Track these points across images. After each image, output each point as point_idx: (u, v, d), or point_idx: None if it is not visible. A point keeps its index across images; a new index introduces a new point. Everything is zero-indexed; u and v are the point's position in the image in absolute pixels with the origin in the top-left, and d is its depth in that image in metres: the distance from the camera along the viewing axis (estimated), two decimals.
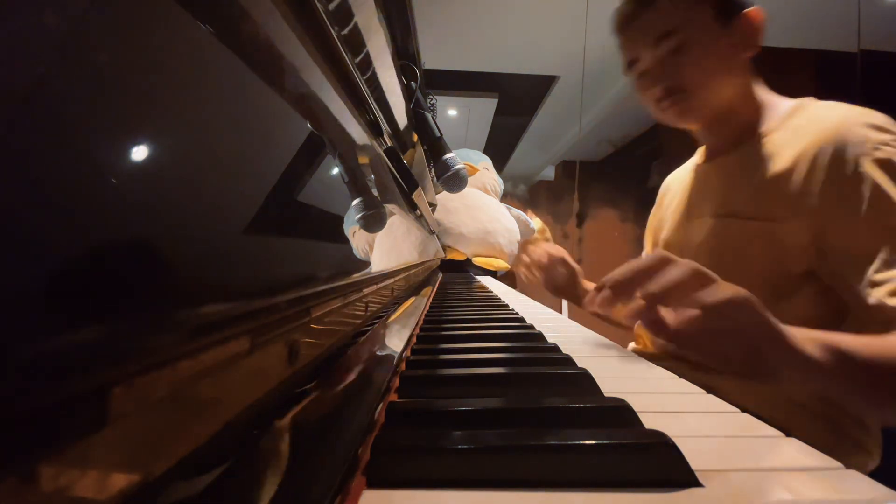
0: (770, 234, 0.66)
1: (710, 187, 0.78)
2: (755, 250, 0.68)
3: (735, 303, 0.45)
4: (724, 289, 0.46)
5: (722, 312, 0.45)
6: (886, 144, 0.59)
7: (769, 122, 0.72)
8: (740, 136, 0.74)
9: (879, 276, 0.56)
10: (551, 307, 1.14)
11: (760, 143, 0.71)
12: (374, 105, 0.55)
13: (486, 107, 4.55)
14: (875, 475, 0.27)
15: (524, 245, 1.07)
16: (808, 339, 0.48)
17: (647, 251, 1.01)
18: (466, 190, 1.31)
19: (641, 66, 0.75)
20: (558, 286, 1.05)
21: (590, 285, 1.05)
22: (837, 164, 0.61)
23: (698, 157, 0.87)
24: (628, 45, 0.77)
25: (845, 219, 0.60)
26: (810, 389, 0.61)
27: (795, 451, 0.30)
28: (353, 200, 0.44)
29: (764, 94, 0.75)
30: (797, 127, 0.68)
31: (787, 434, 0.33)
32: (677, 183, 0.91)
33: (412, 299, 0.83)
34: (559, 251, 1.06)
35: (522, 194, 3.58)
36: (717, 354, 0.49)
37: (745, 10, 0.70)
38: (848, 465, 0.27)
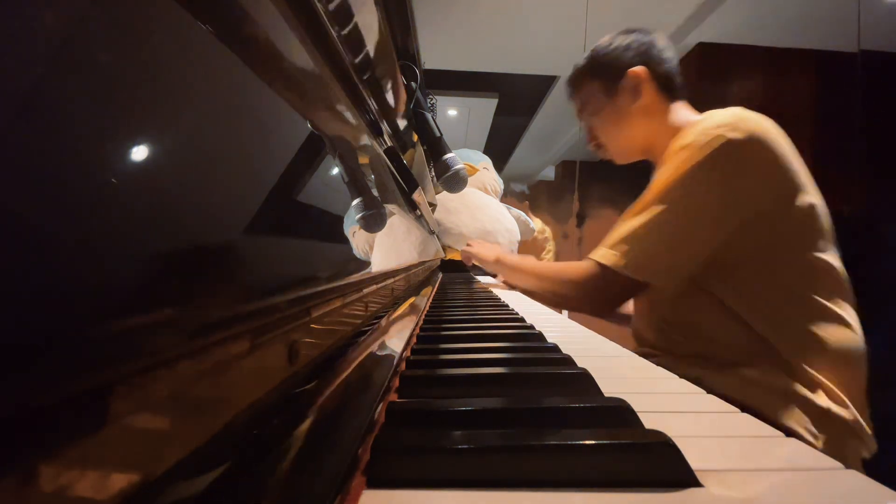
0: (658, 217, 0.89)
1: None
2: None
3: (469, 254, 1.42)
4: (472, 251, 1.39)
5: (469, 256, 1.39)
6: (709, 132, 0.77)
7: (674, 139, 0.90)
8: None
9: None
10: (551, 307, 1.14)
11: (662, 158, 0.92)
12: (374, 105, 0.55)
13: (486, 107, 4.55)
14: (876, 475, 0.27)
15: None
16: (492, 253, 1.32)
17: None
18: (466, 190, 1.33)
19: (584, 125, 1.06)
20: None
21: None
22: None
23: None
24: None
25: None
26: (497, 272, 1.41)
27: (795, 451, 0.30)
28: (353, 200, 0.44)
29: (682, 115, 0.93)
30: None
31: (787, 434, 0.33)
32: None
33: (412, 299, 0.83)
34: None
35: (521, 192, 3.57)
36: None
37: (628, 71, 0.91)
38: (839, 450, 0.28)
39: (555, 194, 5.06)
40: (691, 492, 0.25)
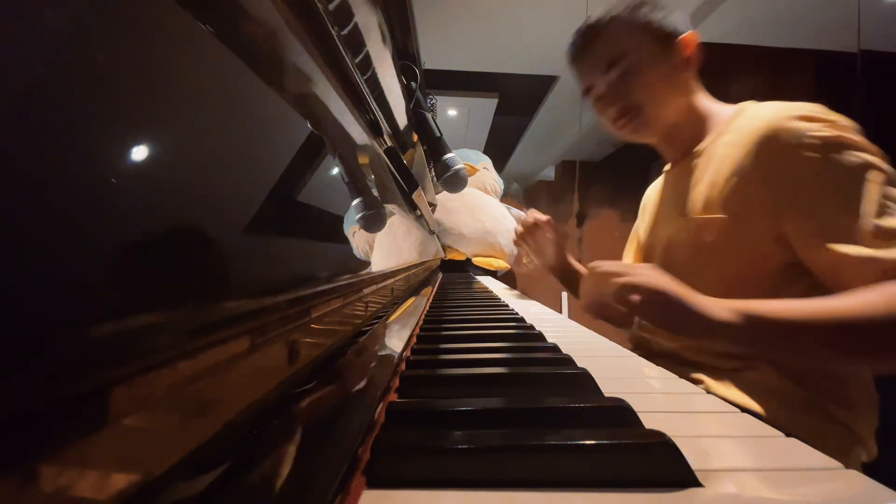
0: (733, 230, 0.71)
1: (676, 189, 0.85)
2: (723, 245, 0.72)
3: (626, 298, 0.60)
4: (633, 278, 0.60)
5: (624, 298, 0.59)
6: (816, 130, 0.65)
7: (715, 127, 0.80)
8: (691, 143, 0.82)
9: (852, 240, 0.60)
10: (551, 307, 1.14)
11: (702, 150, 0.79)
12: (374, 105, 0.55)
13: (486, 107, 4.55)
14: (876, 475, 0.27)
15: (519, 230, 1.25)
16: (724, 307, 0.58)
17: (626, 259, 1.07)
18: (466, 190, 1.32)
19: (596, 92, 0.84)
20: (552, 262, 1.15)
21: (579, 266, 1.13)
22: (775, 158, 0.67)
23: (668, 165, 0.95)
24: (583, 73, 0.87)
25: (798, 206, 0.65)
26: (736, 346, 0.68)
27: (795, 451, 0.30)
28: (353, 200, 0.44)
29: (708, 104, 0.83)
30: (738, 128, 0.74)
31: (787, 434, 0.33)
32: (653, 193, 0.98)
33: (412, 299, 0.83)
34: (543, 217, 1.19)
35: (517, 193, 3.55)
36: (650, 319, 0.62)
37: (681, 36, 0.80)
38: (839, 452, 0.27)
39: (555, 194, 5.06)
40: (691, 492, 0.25)
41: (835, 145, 0.63)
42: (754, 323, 0.58)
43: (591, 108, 0.89)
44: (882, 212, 0.60)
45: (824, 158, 0.63)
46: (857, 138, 0.64)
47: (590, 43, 0.84)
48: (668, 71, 0.80)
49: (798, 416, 0.67)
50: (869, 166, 0.62)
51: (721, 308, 0.58)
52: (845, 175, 0.62)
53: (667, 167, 0.94)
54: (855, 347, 0.57)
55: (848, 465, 0.27)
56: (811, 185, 0.64)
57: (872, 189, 0.61)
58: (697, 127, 0.81)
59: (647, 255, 0.92)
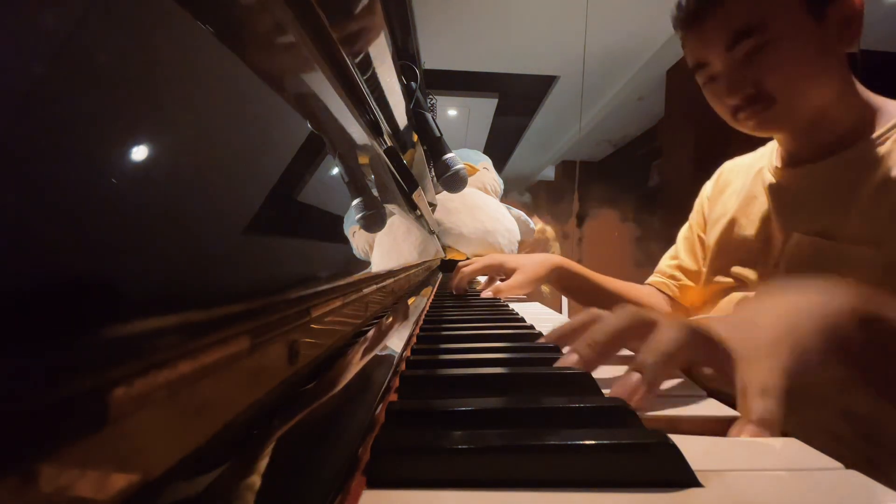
0: (878, 263, 0.54)
1: (799, 198, 0.66)
2: (855, 279, 0.56)
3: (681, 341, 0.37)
4: (666, 332, 0.37)
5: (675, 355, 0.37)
6: None
7: (881, 126, 0.60)
8: (838, 142, 0.62)
9: None
10: (551, 307, 1.14)
11: (870, 151, 0.59)
12: (374, 105, 0.55)
13: (486, 107, 4.56)
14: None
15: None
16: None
17: (683, 248, 0.93)
18: (466, 190, 1.31)
19: (713, 70, 0.62)
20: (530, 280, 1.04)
21: (582, 268, 1.05)
22: None
23: (773, 156, 0.74)
24: (696, 44, 0.63)
25: None
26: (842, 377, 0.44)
27: (796, 452, 0.30)
28: (353, 200, 0.44)
29: (867, 93, 0.64)
30: None
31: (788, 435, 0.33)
32: (743, 178, 0.78)
33: (412, 299, 0.83)
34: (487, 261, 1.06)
35: (521, 198, 3.53)
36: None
37: None
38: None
39: (555, 194, 5.07)
40: (691, 492, 0.25)
41: None
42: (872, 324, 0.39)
43: (702, 89, 0.66)
44: None
45: None
46: None
47: (708, 7, 0.60)
48: (821, 47, 0.58)
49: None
50: None
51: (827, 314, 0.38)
52: None
53: (776, 161, 0.71)
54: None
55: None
56: None
57: None
58: (850, 121, 0.62)
59: (752, 260, 0.71)
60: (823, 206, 0.61)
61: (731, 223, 0.77)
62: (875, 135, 0.60)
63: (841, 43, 0.60)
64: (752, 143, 0.82)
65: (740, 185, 0.78)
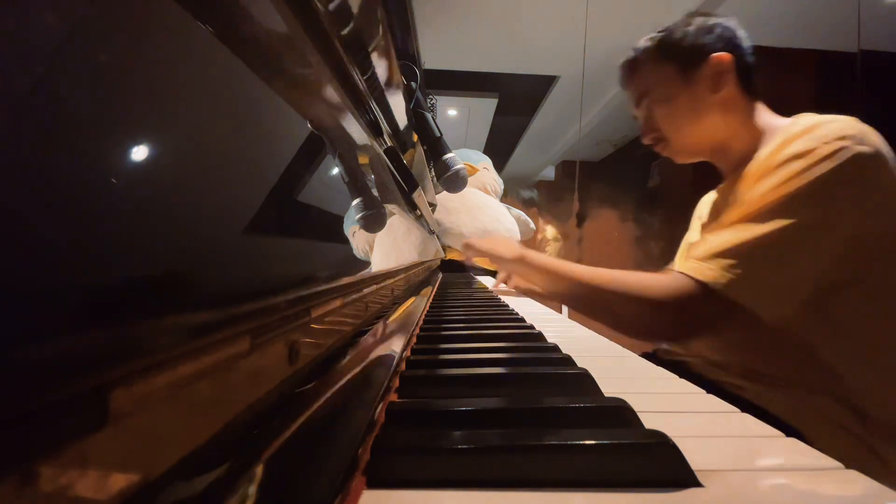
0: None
1: (717, 209, 0.87)
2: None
3: (474, 249, 1.15)
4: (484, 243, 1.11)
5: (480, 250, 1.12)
6: (832, 143, 0.66)
7: (769, 143, 0.77)
8: (742, 161, 0.80)
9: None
10: (551, 307, 1.14)
11: (752, 165, 0.77)
12: (374, 105, 0.55)
13: (486, 107, 4.55)
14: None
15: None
16: (530, 257, 0.95)
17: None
18: (466, 190, 1.32)
19: (638, 119, 0.92)
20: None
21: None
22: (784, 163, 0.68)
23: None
24: (629, 102, 0.93)
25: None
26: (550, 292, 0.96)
27: (795, 451, 0.30)
28: (353, 200, 0.44)
29: (765, 118, 0.82)
30: (774, 140, 0.74)
31: (789, 435, 0.33)
32: (705, 205, 0.99)
33: (412, 299, 0.83)
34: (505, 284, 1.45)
35: (530, 199, 3.47)
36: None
37: (711, 56, 0.80)
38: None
39: (555, 194, 5.07)
40: (691, 492, 0.25)
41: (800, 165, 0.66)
42: (528, 264, 0.94)
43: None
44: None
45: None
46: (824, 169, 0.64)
47: (625, 79, 0.91)
48: (693, 99, 0.81)
49: (848, 449, 0.65)
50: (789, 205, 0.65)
51: (509, 249, 1.00)
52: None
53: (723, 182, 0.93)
54: (590, 303, 0.80)
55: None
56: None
57: (768, 226, 0.66)
58: (750, 142, 0.80)
59: None
60: (724, 210, 0.78)
61: (689, 242, 1.01)
62: (759, 152, 0.78)
63: (713, 91, 0.81)
64: None
65: (704, 211, 0.99)
